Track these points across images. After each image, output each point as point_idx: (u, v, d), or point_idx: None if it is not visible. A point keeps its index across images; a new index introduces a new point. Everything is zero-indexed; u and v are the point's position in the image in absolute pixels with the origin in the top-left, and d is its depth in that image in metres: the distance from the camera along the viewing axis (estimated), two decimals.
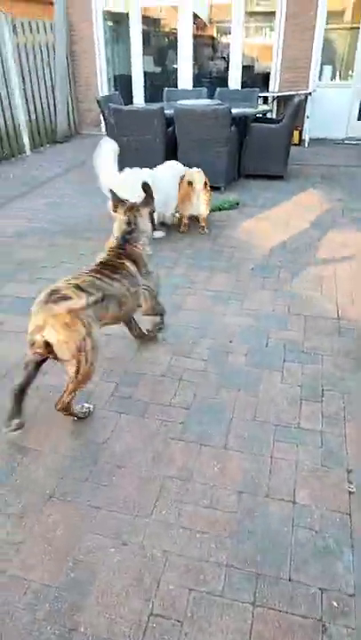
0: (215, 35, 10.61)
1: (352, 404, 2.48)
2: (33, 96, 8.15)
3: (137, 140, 5.65)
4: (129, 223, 2.70)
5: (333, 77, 8.51)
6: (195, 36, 8.86)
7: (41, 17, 8.32)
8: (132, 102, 8.98)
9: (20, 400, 2.27)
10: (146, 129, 5.58)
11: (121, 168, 6.25)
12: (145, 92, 9.29)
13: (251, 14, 8.66)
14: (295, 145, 7.66)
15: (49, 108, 8.64)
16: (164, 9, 9.64)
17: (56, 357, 2.16)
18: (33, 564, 1.76)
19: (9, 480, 2.10)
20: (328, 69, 8.41)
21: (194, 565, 1.74)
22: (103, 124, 7.67)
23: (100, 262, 2.54)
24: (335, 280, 3.74)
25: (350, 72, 8.42)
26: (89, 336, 2.14)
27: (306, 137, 8.40)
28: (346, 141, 8.60)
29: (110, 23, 9.27)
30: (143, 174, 4.33)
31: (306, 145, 8.37)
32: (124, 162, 5.84)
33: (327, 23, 8.06)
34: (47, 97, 8.56)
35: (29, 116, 8.07)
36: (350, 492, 2.00)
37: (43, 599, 1.64)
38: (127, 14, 8.80)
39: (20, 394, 2.26)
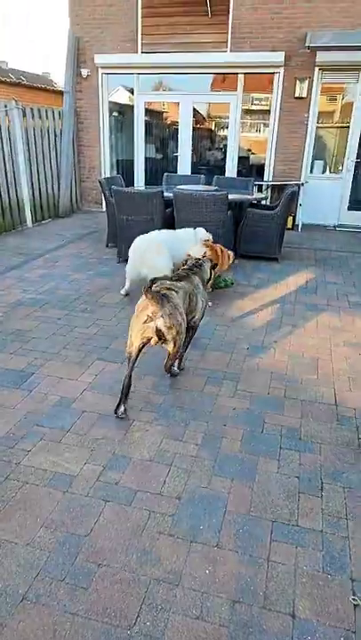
0: (213, 128, 11.46)
1: (354, 500, 2.33)
2: (38, 174, 8.58)
3: (136, 219, 5.86)
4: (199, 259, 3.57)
5: (324, 171, 9.10)
6: (194, 129, 9.54)
7: (51, 105, 8.99)
8: (133, 185, 9.46)
9: (128, 389, 2.98)
10: (145, 209, 5.81)
11: (114, 242, 6.47)
12: (146, 177, 9.83)
13: (247, 112, 9.41)
14: (289, 229, 8.01)
15: (53, 185, 9.06)
16: (166, 104, 10.48)
17: (161, 339, 2.83)
18: None
19: None
20: (319, 164, 9.01)
21: None
22: (104, 203, 8.01)
23: (178, 275, 3.23)
24: (332, 364, 3.71)
25: (340, 167, 9.01)
26: (183, 322, 2.90)
27: (299, 222, 8.81)
28: (337, 228, 9.02)
29: (115, 113, 10.01)
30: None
31: (299, 230, 8.75)
32: (122, 238, 6.03)
33: (318, 122, 8.76)
34: (52, 176, 9.01)
35: (33, 193, 8.43)
36: (355, 605, 1.81)
37: None
38: (132, 106, 9.52)
39: (129, 382, 2.97)
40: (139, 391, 3.26)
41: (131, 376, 2.96)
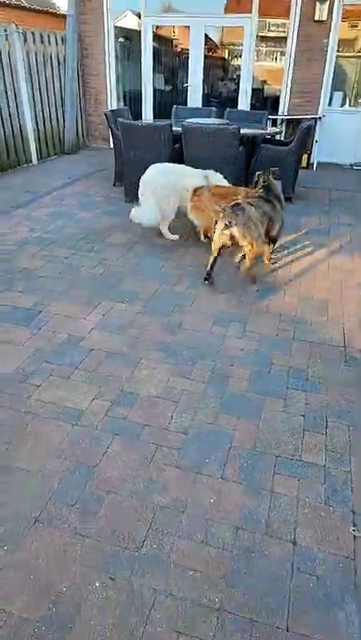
0: (226, 56, 10.75)
1: (359, 437, 2.37)
2: (42, 106, 8.16)
3: (143, 155, 5.62)
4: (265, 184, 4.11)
5: (343, 103, 8.57)
6: (206, 57, 8.93)
7: (52, 29, 8.40)
8: (140, 118, 9.01)
9: (213, 266, 3.89)
10: (152, 144, 5.55)
11: (121, 181, 6.23)
12: (154, 110, 9.34)
13: (262, 39, 8.76)
14: (303, 168, 7.65)
15: (58, 119, 8.66)
16: (176, 28, 9.76)
17: (237, 244, 3.66)
18: (13, 594, 1.63)
19: None
20: (338, 95, 8.47)
21: (184, 607, 1.62)
22: (111, 139, 7.67)
23: (247, 199, 3.89)
24: (342, 306, 3.66)
25: (360, 99, 8.48)
26: (256, 230, 3.65)
27: (314, 161, 8.42)
28: (355, 167, 8.63)
29: (122, 39, 9.36)
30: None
31: (314, 168, 8.38)
32: (129, 176, 5.82)
33: (338, 50, 8.15)
34: (56, 108, 8.58)
35: (37, 126, 8.07)
36: (355, 537, 1.88)
37: (21, 633, 1.51)
38: (139, 32, 8.88)
39: (214, 261, 3.86)
40: (146, 330, 3.26)
41: (215, 262, 3.88)
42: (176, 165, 4.96)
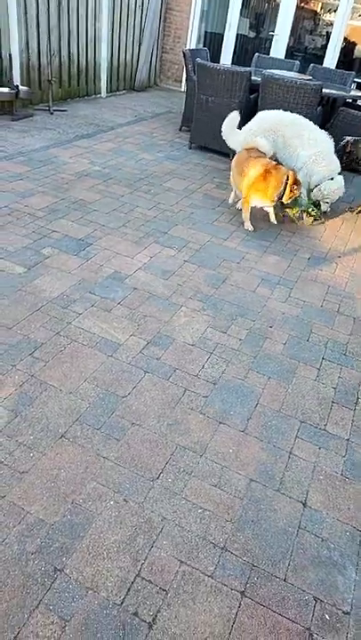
0: (319, 10, 10.00)
1: None
2: (119, 37, 7.90)
3: (216, 101, 5.41)
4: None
5: None
6: (298, 7, 8.34)
7: None
8: (219, 62, 8.62)
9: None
10: (228, 91, 5.32)
11: (188, 126, 6.02)
12: (234, 56, 8.89)
13: None
14: None
15: (133, 53, 8.38)
16: None
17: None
18: (33, 496, 1.74)
19: (25, 410, 2.08)
20: None
21: (189, 539, 1.69)
22: (184, 81, 7.41)
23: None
24: None
25: None
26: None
27: None
28: None
29: None
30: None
31: None
32: (197, 121, 5.64)
33: None
34: (133, 42, 8.29)
35: (111, 59, 7.85)
36: None
37: (36, 533, 1.63)
38: None
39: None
40: (191, 280, 3.25)
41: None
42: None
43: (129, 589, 1.52)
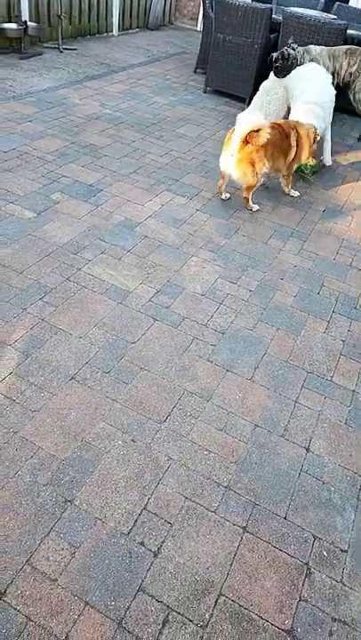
0: None
1: None
2: None
3: (234, 40, 5.12)
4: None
5: None
6: None
7: None
8: None
9: None
10: (247, 30, 5.01)
11: (203, 68, 5.70)
12: None
13: None
14: None
15: None
16: None
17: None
18: (44, 433, 1.80)
19: (36, 352, 2.11)
20: None
21: (194, 478, 1.75)
22: (201, 19, 6.97)
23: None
24: None
25: None
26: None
27: None
28: None
29: None
30: None
31: None
32: (213, 62, 5.36)
33: None
34: None
35: None
36: None
37: (47, 467, 1.69)
38: None
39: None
40: (202, 229, 3.20)
41: None
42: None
43: (136, 521, 1.59)
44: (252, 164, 3.22)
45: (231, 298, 2.67)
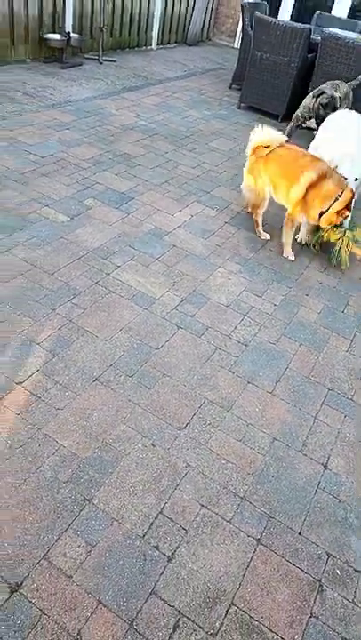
0: None
1: None
2: None
3: (271, 58, 5.19)
4: None
5: None
6: None
7: None
8: (276, 17, 8.19)
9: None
10: (285, 48, 5.09)
11: (239, 84, 5.73)
12: (293, 12, 8.42)
13: None
14: None
15: (187, 3, 8.04)
16: None
17: None
18: (66, 432, 1.84)
19: (62, 352, 2.16)
20: None
21: (211, 486, 1.76)
22: (239, 36, 7.08)
23: None
24: None
25: None
26: None
27: None
28: None
29: None
30: None
31: None
32: (249, 79, 5.43)
33: None
34: None
35: (165, 10, 7.55)
36: None
37: (68, 464, 1.73)
38: None
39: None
40: (230, 241, 3.23)
41: None
42: None
43: (151, 524, 1.61)
44: (255, 178, 3.17)
45: (255, 311, 2.69)
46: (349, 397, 2.26)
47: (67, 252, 2.78)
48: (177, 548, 1.57)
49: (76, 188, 3.43)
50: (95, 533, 1.57)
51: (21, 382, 1.99)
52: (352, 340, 2.61)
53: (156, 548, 1.56)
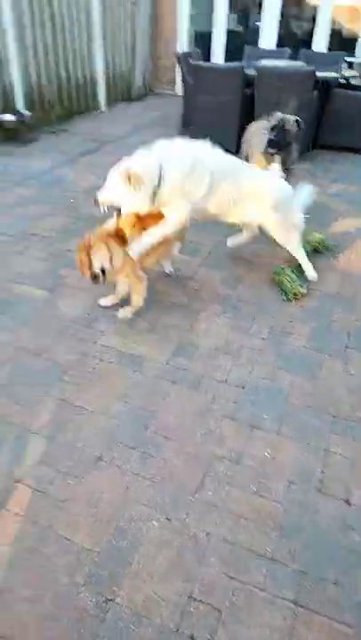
0: None
1: None
2: (113, 50, 7.94)
3: (214, 100, 5.38)
4: None
5: None
6: None
7: None
8: (209, 61, 8.56)
9: None
10: (225, 88, 5.28)
11: (190, 129, 5.96)
12: (226, 51, 8.80)
13: None
14: None
15: (128, 63, 8.41)
16: None
17: None
18: (75, 525, 1.76)
19: (60, 436, 2.10)
20: None
21: (236, 552, 1.68)
22: (179, 83, 7.38)
23: None
24: None
25: None
26: None
27: None
28: None
29: None
30: None
31: None
32: (197, 122, 5.61)
33: None
34: (127, 52, 8.32)
35: (108, 71, 7.89)
36: None
37: (83, 562, 1.64)
38: None
39: None
40: (207, 284, 3.24)
41: None
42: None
43: (182, 613, 1.52)
44: None
45: (245, 349, 2.66)
46: (355, 420, 2.21)
47: (50, 328, 2.76)
48: (214, 633, 1.47)
49: (50, 260, 3.45)
50: (126, 638, 1.46)
51: (22, 479, 1.92)
52: (345, 358, 2.58)
53: (192, 638, 1.46)
